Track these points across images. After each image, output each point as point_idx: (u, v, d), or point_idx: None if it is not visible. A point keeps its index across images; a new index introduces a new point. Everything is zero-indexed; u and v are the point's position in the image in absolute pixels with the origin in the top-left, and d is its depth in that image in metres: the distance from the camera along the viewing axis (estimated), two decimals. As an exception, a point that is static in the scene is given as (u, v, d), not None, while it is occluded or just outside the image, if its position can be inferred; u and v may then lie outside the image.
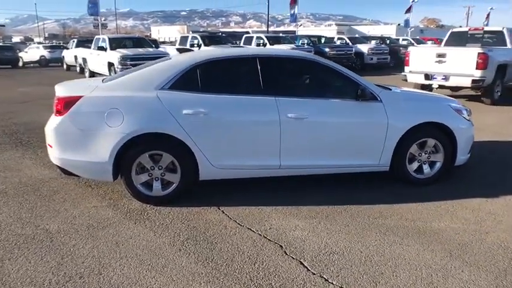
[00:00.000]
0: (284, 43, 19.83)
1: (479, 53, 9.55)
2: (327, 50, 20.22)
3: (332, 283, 2.78)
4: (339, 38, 25.93)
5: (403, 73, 11.41)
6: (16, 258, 3.06)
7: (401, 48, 22.90)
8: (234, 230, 3.54)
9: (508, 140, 6.80)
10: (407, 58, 11.08)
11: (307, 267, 2.96)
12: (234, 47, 17.72)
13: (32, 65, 27.22)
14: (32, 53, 28.00)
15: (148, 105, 3.93)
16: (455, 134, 4.54)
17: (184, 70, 4.09)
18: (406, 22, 39.89)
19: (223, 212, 3.89)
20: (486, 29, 12.28)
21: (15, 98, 11.62)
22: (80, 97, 3.91)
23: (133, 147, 3.89)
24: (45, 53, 27.37)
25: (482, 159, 5.58)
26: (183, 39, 20.71)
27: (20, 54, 27.35)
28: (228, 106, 4.07)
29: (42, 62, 26.92)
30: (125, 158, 3.89)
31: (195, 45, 18.84)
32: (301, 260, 3.05)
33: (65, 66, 22.41)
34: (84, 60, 17.72)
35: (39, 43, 41.10)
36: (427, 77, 10.50)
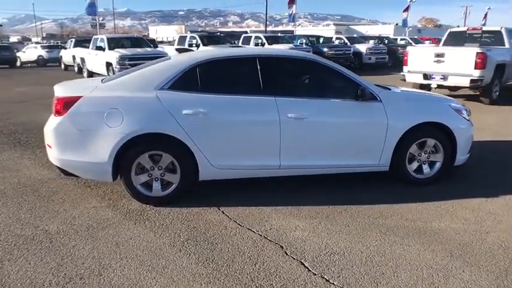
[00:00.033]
0: (282, 43, 19.92)
1: (477, 53, 9.57)
2: (325, 49, 20.29)
3: (333, 284, 2.78)
4: (337, 38, 25.97)
5: (401, 73, 11.44)
6: (16, 259, 3.05)
7: (399, 48, 22.92)
8: (234, 231, 3.53)
9: (507, 140, 6.81)
10: (405, 58, 11.09)
11: (308, 268, 2.96)
12: (232, 46, 17.72)
13: (29, 64, 27.19)
14: (29, 53, 27.95)
15: (148, 106, 3.91)
16: (455, 134, 4.54)
17: (183, 70, 4.07)
18: (404, 22, 39.89)
19: (223, 213, 3.88)
20: (484, 28, 12.29)
21: (13, 98, 11.59)
22: (79, 97, 3.89)
23: (133, 147, 3.88)
24: (43, 52, 27.36)
25: (482, 159, 5.59)
26: (182, 39, 20.70)
27: (18, 54, 27.32)
28: (228, 106, 4.06)
29: (40, 62, 26.91)
30: (125, 158, 3.88)
31: (194, 45, 18.86)
32: (302, 261, 3.05)
33: (62, 66, 22.42)
34: (82, 60, 17.69)
35: (37, 43, 41.09)
36: (426, 76, 10.52)
